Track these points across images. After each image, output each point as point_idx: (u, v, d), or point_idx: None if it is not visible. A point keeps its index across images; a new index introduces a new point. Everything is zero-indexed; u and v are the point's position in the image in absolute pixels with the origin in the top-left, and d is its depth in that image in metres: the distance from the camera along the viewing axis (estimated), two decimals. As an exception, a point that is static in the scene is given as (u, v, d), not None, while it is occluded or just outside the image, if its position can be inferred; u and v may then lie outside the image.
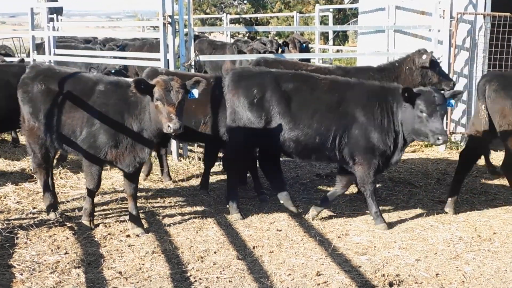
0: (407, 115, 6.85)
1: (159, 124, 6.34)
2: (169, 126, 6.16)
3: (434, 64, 8.76)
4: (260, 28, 20.55)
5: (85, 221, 6.99)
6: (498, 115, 7.29)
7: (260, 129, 7.16)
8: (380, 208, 7.80)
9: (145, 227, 6.98)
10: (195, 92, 6.61)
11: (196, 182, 9.02)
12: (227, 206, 7.57)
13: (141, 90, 6.32)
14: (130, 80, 6.87)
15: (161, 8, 9.92)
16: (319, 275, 5.77)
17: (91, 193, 6.96)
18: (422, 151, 11.15)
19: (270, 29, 21.17)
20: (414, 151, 11.05)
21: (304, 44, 14.99)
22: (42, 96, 6.92)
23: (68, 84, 6.90)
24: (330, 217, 7.52)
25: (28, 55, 14.21)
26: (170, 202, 8.04)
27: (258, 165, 8.23)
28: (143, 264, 5.98)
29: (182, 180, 9.09)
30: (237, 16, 29.57)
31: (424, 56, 8.58)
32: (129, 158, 6.69)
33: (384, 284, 5.61)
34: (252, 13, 30.65)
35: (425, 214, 7.64)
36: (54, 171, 9.28)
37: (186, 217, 7.42)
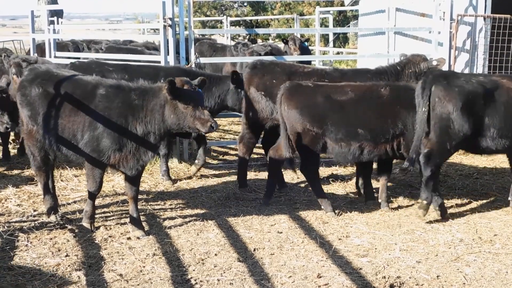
0: None
1: (184, 126, 6.55)
2: (211, 126, 6.46)
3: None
4: (260, 30, 20.62)
5: (85, 223, 6.99)
6: None
7: (473, 132, 7.23)
8: (380, 210, 7.83)
9: (145, 229, 6.98)
10: None
11: (196, 184, 9.02)
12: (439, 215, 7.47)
13: (173, 93, 6.40)
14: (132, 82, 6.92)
15: (161, 11, 9.93)
16: (320, 277, 5.77)
17: (92, 196, 6.96)
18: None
19: (270, 31, 21.24)
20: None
21: (305, 43, 15.01)
22: (40, 99, 6.91)
23: (67, 87, 6.89)
24: (330, 219, 7.51)
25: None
26: (170, 205, 8.04)
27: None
28: (143, 267, 5.98)
29: (183, 183, 9.09)
30: (238, 18, 29.60)
31: (435, 62, 8.57)
32: (132, 161, 6.70)
33: (385, 286, 5.60)
34: (253, 16, 30.67)
35: (425, 216, 7.62)
36: (54, 173, 9.31)
37: (187, 219, 7.42)
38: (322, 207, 7.70)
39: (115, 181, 8.99)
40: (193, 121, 6.51)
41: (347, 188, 8.88)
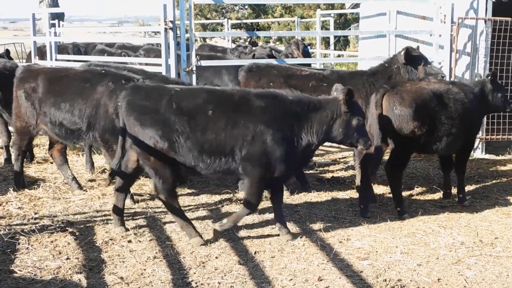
0: None
1: (345, 141, 6.67)
2: (370, 144, 6.72)
3: (414, 59, 8.73)
4: (261, 33, 20.53)
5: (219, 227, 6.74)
6: None
7: None
8: (382, 213, 7.82)
9: (146, 233, 6.98)
10: None
11: (197, 187, 9.01)
12: None
13: (349, 105, 6.48)
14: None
15: (162, 14, 9.93)
16: (321, 280, 5.77)
17: (254, 209, 6.75)
18: (424, 156, 11.13)
19: (271, 34, 21.15)
20: (415, 156, 11.03)
21: (308, 47, 15.03)
22: (176, 116, 6.40)
23: (209, 101, 6.48)
24: (331, 222, 7.51)
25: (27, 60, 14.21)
26: (171, 207, 8.02)
27: None
28: (144, 270, 5.98)
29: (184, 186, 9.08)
30: (238, 21, 29.61)
31: (402, 52, 8.64)
32: (292, 172, 6.70)
33: (386, 289, 5.61)
34: (253, 18, 30.69)
35: (426, 219, 7.63)
36: (54, 176, 9.30)
37: (188, 222, 7.41)
38: (398, 209, 7.70)
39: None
40: (358, 138, 6.60)
41: (348, 190, 8.87)
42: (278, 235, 6.97)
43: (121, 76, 8.00)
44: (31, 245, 6.57)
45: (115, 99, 7.58)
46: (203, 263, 6.16)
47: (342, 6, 21.29)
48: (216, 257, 6.31)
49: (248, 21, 30.12)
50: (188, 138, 6.38)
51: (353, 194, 8.67)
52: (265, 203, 8.22)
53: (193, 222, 7.37)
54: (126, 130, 6.56)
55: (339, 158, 11.19)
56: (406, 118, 7.51)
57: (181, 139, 6.38)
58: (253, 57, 12.94)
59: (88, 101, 7.89)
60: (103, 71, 8.19)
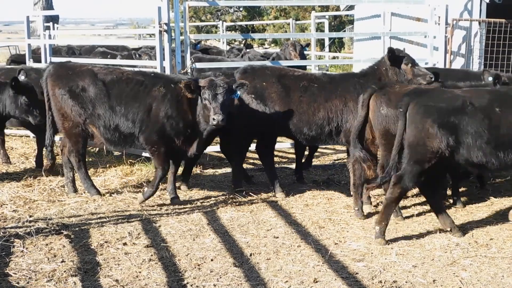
0: None
1: None
2: None
3: (399, 60, 8.72)
4: (256, 35, 20.59)
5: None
6: None
7: None
8: (377, 214, 7.82)
9: (141, 235, 6.97)
10: None
11: (192, 189, 9.00)
12: None
13: None
14: None
15: (157, 16, 9.93)
16: (316, 282, 5.77)
17: None
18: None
19: (266, 36, 21.20)
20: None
21: (305, 48, 15.07)
22: (472, 116, 6.60)
23: (492, 99, 6.73)
24: (327, 223, 7.52)
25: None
26: (167, 210, 8.02)
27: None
28: (140, 272, 5.97)
29: (179, 188, 9.05)
30: (233, 23, 29.62)
31: (386, 54, 8.67)
32: None
33: (382, 290, 5.61)
34: (248, 20, 30.71)
35: (421, 220, 7.64)
36: (49, 179, 9.28)
37: (183, 224, 7.41)
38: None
39: (112, 187, 8.99)
40: None
41: (344, 192, 8.87)
42: (274, 237, 6.98)
43: (171, 79, 8.20)
44: (26, 248, 6.55)
45: (167, 102, 7.96)
46: (198, 265, 6.16)
47: (337, 8, 21.31)
48: (212, 259, 6.30)
49: (243, 23, 30.14)
50: (482, 136, 6.58)
51: (348, 195, 8.66)
52: (262, 205, 8.22)
53: (188, 224, 7.39)
54: (404, 135, 6.79)
55: (335, 160, 11.20)
56: (392, 119, 7.44)
57: (474, 137, 6.58)
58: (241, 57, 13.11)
59: (142, 104, 8.01)
60: (153, 74, 8.36)
